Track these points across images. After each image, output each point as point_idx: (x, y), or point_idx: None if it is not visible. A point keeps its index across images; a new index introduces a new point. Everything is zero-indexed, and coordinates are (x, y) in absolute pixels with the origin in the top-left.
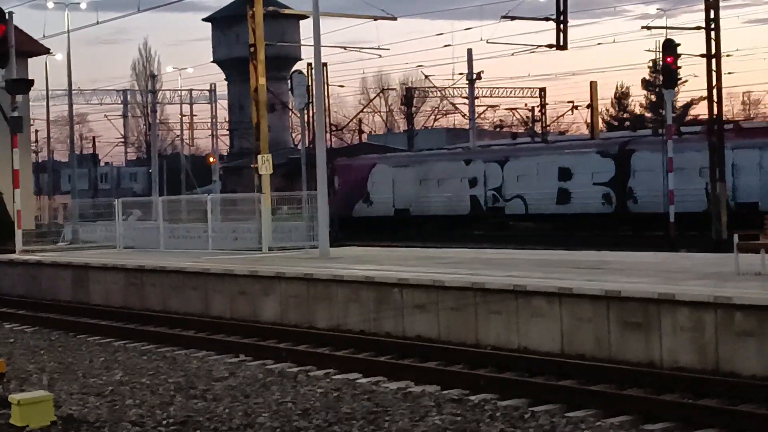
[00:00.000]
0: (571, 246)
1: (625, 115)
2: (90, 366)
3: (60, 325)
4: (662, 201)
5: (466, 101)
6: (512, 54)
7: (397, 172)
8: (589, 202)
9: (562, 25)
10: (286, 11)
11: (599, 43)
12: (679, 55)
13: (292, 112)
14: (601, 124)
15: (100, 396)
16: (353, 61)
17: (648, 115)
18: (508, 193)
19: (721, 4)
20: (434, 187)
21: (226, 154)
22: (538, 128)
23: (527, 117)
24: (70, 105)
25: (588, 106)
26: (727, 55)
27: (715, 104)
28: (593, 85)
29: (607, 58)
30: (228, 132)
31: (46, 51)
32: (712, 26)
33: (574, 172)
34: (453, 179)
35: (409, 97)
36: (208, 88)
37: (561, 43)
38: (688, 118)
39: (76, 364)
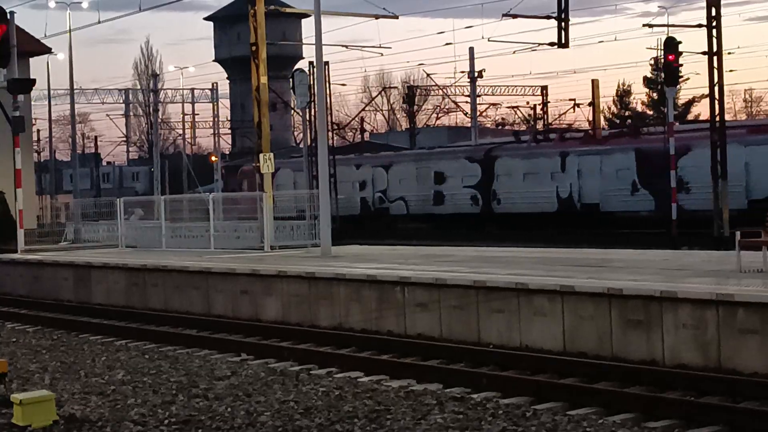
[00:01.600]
0: (448, 242)
1: (627, 113)
2: (92, 365)
3: (62, 325)
4: (521, 202)
5: (468, 99)
6: (514, 52)
7: (298, 176)
8: (459, 203)
9: (563, 23)
10: (288, 10)
11: (601, 41)
12: (681, 53)
13: (294, 111)
14: (603, 122)
15: (102, 395)
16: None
17: (650, 112)
18: (392, 196)
19: (723, 1)
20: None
21: (227, 153)
22: (540, 126)
23: (529, 115)
24: (72, 104)
25: (590, 104)
26: (729, 53)
27: (716, 102)
28: (595, 83)
29: (609, 56)
30: (230, 131)
31: (48, 51)
32: (714, 24)
33: (447, 176)
34: (346, 182)
35: (411, 95)
36: (210, 87)
37: (563, 41)
38: (690, 116)
39: (78, 363)
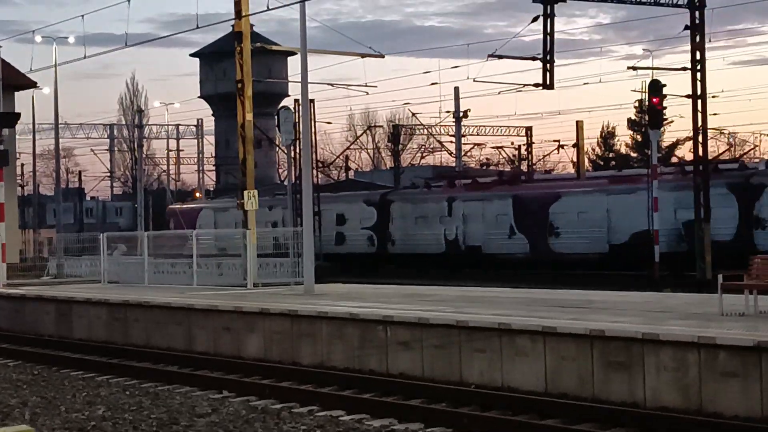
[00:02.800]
0: (351, 278)
1: (611, 155)
2: (72, 401)
3: (43, 360)
4: (413, 243)
5: (453, 139)
6: (499, 93)
7: (218, 216)
8: (357, 243)
9: (548, 65)
10: (274, 48)
11: (586, 83)
12: (665, 96)
13: (279, 148)
14: (587, 164)
15: (82, 431)
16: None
17: (634, 154)
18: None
19: (707, 45)
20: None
21: (212, 189)
22: (524, 167)
23: (514, 155)
24: (57, 139)
25: (574, 146)
26: (713, 96)
27: (700, 145)
28: (579, 125)
29: (594, 98)
30: (214, 167)
31: (34, 85)
32: (698, 67)
33: (347, 219)
34: (260, 223)
35: (396, 134)
36: (195, 123)
37: (548, 83)
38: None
39: (58, 398)
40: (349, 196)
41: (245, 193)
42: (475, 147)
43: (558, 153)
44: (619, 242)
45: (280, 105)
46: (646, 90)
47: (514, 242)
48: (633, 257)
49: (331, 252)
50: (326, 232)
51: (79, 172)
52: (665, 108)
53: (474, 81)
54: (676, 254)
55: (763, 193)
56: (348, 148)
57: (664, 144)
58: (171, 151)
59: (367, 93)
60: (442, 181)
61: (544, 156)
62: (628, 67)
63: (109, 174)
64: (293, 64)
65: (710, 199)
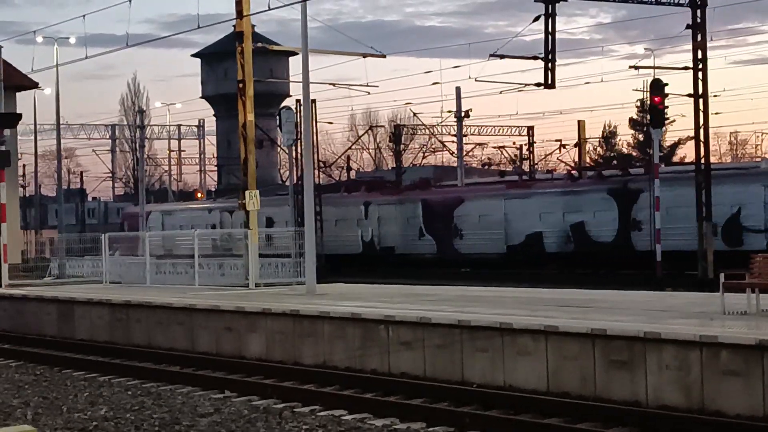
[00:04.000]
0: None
1: (613, 154)
2: (74, 401)
3: (45, 360)
4: (333, 244)
5: (455, 139)
6: (500, 92)
7: (165, 219)
8: (283, 244)
9: (550, 64)
10: (275, 48)
11: (587, 82)
12: (667, 95)
13: (281, 148)
14: (588, 163)
15: (84, 431)
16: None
17: (635, 154)
18: (236, 237)
19: (708, 44)
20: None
21: (213, 189)
22: (526, 166)
23: (515, 155)
24: (58, 139)
25: (576, 145)
26: (715, 96)
27: (702, 144)
28: (581, 124)
29: (595, 97)
30: (216, 168)
31: (35, 85)
32: (700, 66)
33: (275, 221)
34: (200, 225)
35: (398, 134)
36: (197, 123)
37: (549, 82)
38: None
39: (60, 399)
40: (277, 199)
41: (246, 193)
42: (477, 147)
43: (560, 152)
44: (516, 243)
45: (282, 105)
46: (648, 89)
47: (423, 243)
48: (527, 257)
49: (262, 252)
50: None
51: (81, 172)
52: (667, 107)
53: (475, 81)
54: (563, 254)
55: (640, 197)
56: (349, 148)
57: (666, 143)
58: (172, 151)
59: (369, 93)
60: (362, 186)
61: (546, 155)
62: (630, 67)
63: (110, 174)
64: (294, 64)
65: (593, 203)
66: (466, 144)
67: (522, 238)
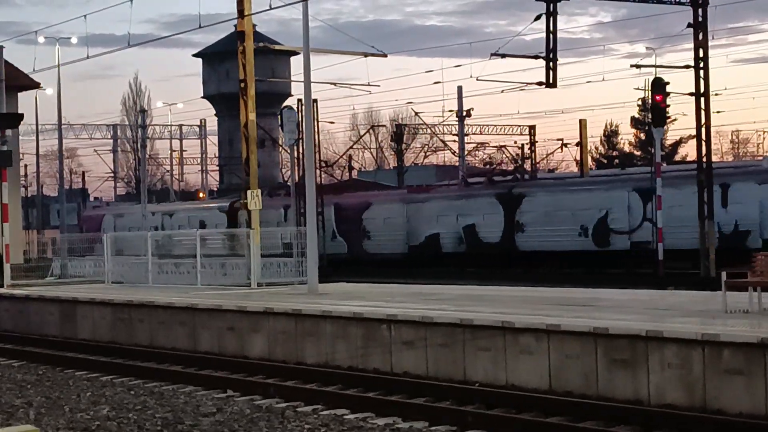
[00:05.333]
0: None
1: (615, 153)
2: (77, 401)
3: (47, 360)
4: (263, 245)
5: (456, 138)
6: (502, 91)
7: (117, 221)
8: (214, 246)
9: (551, 63)
10: (277, 47)
11: (588, 81)
12: (668, 94)
13: (282, 148)
14: (590, 162)
15: (86, 431)
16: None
17: (637, 153)
18: (174, 239)
19: (709, 43)
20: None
21: (215, 189)
22: (527, 166)
23: (517, 154)
24: (60, 139)
25: (577, 144)
26: (716, 94)
27: (703, 143)
28: (582, 123)
29: (597, 96)
30: (218, 167)
31: (37, 85)
32: (701, 65)
33: (207, 224)
34: (144, 225)
35: (399, 133)
36: (198, 123)
37: (551, 81)
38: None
39: (63, 399)
40: (207, 207)
41: (248, 192)
42: (479, 146)
43: (561, 151)
44: (416, 244)
45: (283, 105)
46: (649, 88)
47: (336, 244)
48: (426, 256)
49: (194, 254)
50: (192, 236)
51: (83, 172)
52: (668, 106)
53: (477, 80)
54: (457, 253)
55: (523, 201)
56: (351, 147)
57: (668, 142)
58: (174, 151)
59: (370, 92)
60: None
61: (548, 155)
62: (632, 65)
63: (112, 174)
64: (296, 63)
65: (482, 207)
66: (468, 143)
67: (422, 239)
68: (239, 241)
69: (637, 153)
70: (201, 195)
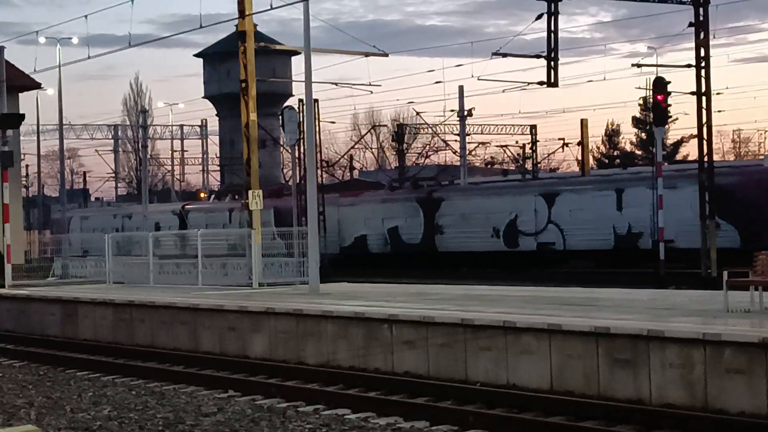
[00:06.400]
0: None
1: (616, 153)
2: (78, 401)
3: (48, 360)
4: (204, 246)
5: (458, 138)
6: (503, 91)
7: (83, 223)
8: (167, 246)
9: (552, 62)
10: (278, 47)
11: (590, 81)
12: (670, 93)
13: (283, 148)
14: (592, 162)
15: (88, 431)
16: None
17: (638, 152)
18: (134, 239)
19: (711, 42)
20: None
21: (216, 189)
22: (528, 165)
23: (518, 154)
24: (61, 140)
25: (579, 144)
26: (717, 93)
27: (705, 142)
28: (584, 123)
29: (598, 96)
30: (219, 168)
31: (38, 86)
32: (702, 64)
33: (161, 226)
34: (106, 227)
35: (400, 133)
36: (199, 123)
37: (552, 80)
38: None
39: (64, 399)
40: (162, 208)
41: (249, 192)
42: (480, 146)
43: (562, 151)
44: (347, 245)
45: (284, 105)
46: (651, 87)
47: (274, 245)
48: (356, 257)
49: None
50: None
51: (84, 173)
52: (670, 105)
53: (478, 79)
54: (382, 254)
55: (441, 205)
56: (352, 147)
57: (669, 141)
58: (175, 151)
59: (371, 92)
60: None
61: (549, 154)
62: (633, 65)
63: (113, 175)
64: (297, 63)
65: (405, 210)
66: (469, 143)
67: (352, 240)
68: (189, 241)
69: (639, 152)
70: (202, 195)
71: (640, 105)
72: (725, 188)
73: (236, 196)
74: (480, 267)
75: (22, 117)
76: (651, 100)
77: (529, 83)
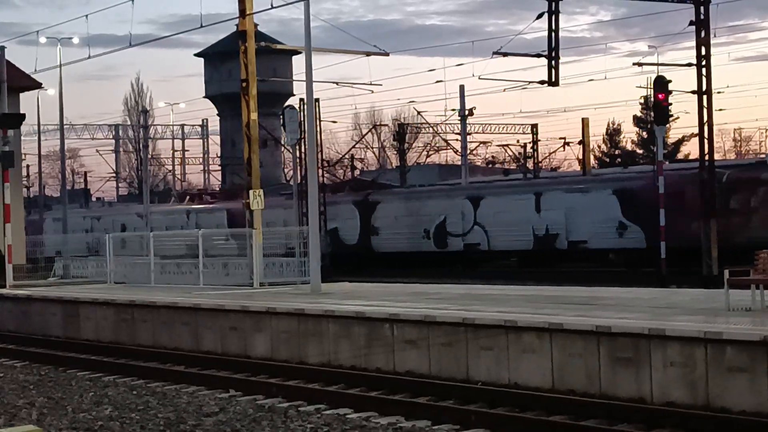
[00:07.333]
0: None
1: (617, 152)
2: (79, 401)
3: (50, 361)
4: (163, 247)
5: (459, 137)
6: (504, 90)
7: (54, 225)
8: (132, 248)
9: (553, 62)
10: (279, 47)
11: (591, 80)
12: (671, 92)
13: (284, 147)
14: (593, 161)
15: (89, 431)
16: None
17: (639, 151)
18: (101, 239)
19: (712, 41)
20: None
21: (217, 189)
22: (530, 165)
23: (519, 153)
24: (62, 140)
25: (580, 143)
26: (718, 92)
27: (706, 141)
28: (585, 122)
29: (599, 95)
30: (220, 167)
31: (39, 86)
32: (703, 63)
33: (127, 227)
34: (76, 228)
35: (402, 133)
36: (200, 123)
37: (553, 80)
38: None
39: (65, 399)
40: (128, 208)
41: (251, 192)
42: (481, 145)
43: (563, 150)
44: (292, 246)
45: (285, 104)
46: (651, 86)
47: (228, 246)
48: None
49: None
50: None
51: (85, 173)
52: (671, 104)
53: (479, 78)
54: (324, 254)
55: (377, 208)
56: (353, 147)
57: (670, 140)
58: (176, 151)
59: (372, 92)
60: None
61: (550, 153)
62: (634, 63)
63: (114, 175)
64: (297, 63)
65: (343, 212)
66: (470, 142)
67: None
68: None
69: (640, 151)
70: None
71: (641, 104)
72: (632, 192)
73: (194, 199)
74: (412, 267)
75: (23, 117)
76: (652, 99)
77: (530, 82)
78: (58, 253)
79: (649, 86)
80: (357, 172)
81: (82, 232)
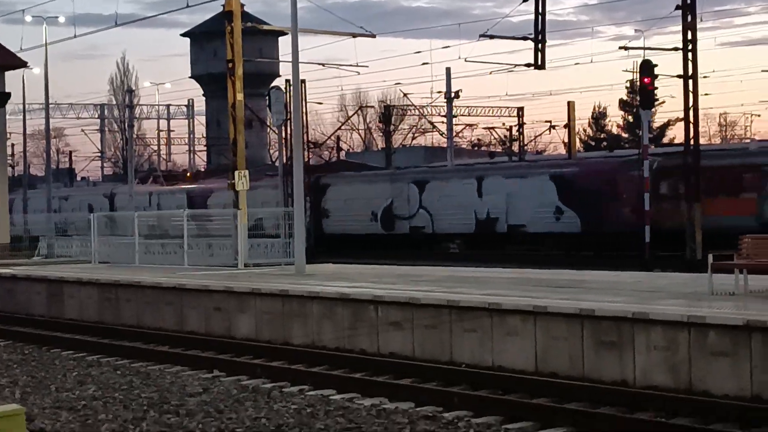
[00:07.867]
0: None
1: (603, 135)
2: (63, 380)
3: (33, 340)
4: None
5: (444, 120)
6: (490, 73)
7: (17, 206)
8: (126, 228)
9: (540, 45)
10: (265, 27)
11: (577, 63)
12: (657, 76)
13: (270, 128)
14: (578, 144)
15: (72, 411)
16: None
17: (625, 135)
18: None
19: (698, 25)
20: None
21: (203, 169)
22: (515, 147)
23: (505, 136)
24: (47, 119)
25: (565, 126)
26: (704, 77)
27: (691, 125)
28: (571, 105)
29: (585, 78)
30: (205, 148)
31: (24, 64)
32: (689, 48)
33: (94, 208)
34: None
35: (387, 114)
36: (186, 103)
37: (539, 63)
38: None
39: (48, 378)
40: (95, 191)
41: (236, 173)
42: (467, 127)
43: (549, 133)
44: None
45: (271, 85)
46: (638, 70)
47: (189, 226)
48: (254, 237)
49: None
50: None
51: (70, 152)
52: (656, 88)
53: (466, 61)
54: (277, 236)
55: (327, 191)
56: (339, 128)
57: (656, 124)
58: (162, 131)
59: (359, 73)
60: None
61: (536, 136)
62: (620, 47)
63: (99, 154)
64: (284, 44)
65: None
66: (456, 125)
67: (252, 222)
68: (117, 222)
69: (625, 135)
70: (188, 175)
71: (627, 88)
72: (567, 178)
73: (157, 180)
74: (361, 249)
75: (8, 96)
76: (638, 83)
77: (516, 65)
78: (26, 231)
79: (635, 70)
80: (342, 154)
81: (51, 212)
